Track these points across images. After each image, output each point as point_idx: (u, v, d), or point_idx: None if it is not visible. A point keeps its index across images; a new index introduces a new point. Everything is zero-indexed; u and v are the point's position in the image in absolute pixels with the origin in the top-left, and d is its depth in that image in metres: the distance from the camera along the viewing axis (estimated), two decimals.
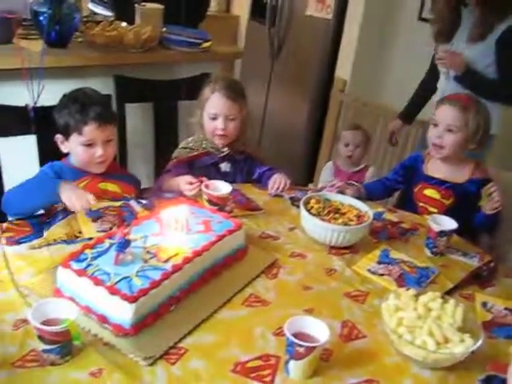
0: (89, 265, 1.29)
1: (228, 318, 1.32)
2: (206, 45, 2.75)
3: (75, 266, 1.28)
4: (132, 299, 1.19)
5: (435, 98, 2.62)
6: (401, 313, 1.31)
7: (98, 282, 1.23)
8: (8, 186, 1.92)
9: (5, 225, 1.59)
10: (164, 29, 2.80)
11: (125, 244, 1.29)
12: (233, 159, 2.13)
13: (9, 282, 1.35)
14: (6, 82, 2.23)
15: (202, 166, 2.08)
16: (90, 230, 1.61)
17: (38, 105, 2.07)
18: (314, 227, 1.69)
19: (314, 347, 1.13)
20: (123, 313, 1.19)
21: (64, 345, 1.09)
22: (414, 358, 1.23)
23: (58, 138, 1.83)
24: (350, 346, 1.29)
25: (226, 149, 2.10)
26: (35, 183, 1.73)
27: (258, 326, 1.30)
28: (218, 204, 1.75)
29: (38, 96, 2.08)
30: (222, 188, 1.79)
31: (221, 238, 1.47)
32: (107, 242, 1.38)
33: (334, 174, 2.82)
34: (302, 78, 3.79)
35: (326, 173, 2.90)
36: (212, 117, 2.05)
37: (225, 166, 2.12)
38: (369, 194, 2.05)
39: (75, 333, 1.09)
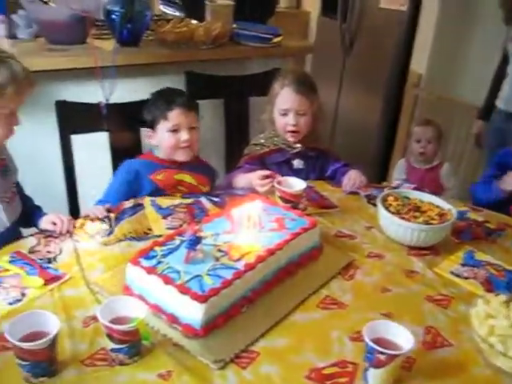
0: (159, 262, 1.25)
1: (302, 321, 1.25)
2: (276, 40, 2.68)
3: (145, 263, 1.25)
4: (203, 299, 1.14)
5: (505, 83, 2.47)
6: (491, 320, 1.19)
7: (167, 281, 1.18)
8: (80, 181, 1.94)
9: (79, 221, 1.59)
10: (234, 25, 2.76)
11: (195, 241, 1.24)
12: (305, 155, 2.05)
13: (80, 278, 1.34)
14: (81, 81, 2.25)
15: (274, 163, 2.01)
16: (159, 227, 1.58)
17: (111, 102, 2.07)
18: (393, 226, 1.58)
19: (397, 355, 1.04)
20: (193, 313, 1.14)
21: (133, 344, 1.05)
22: (507, 370, 1.12)
23: (146, 132, 1.94)
24: (434, 354, 1.18)
25: (298, 145, 2.03)
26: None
27: (334, 329, 1.23)
28: (292, 201, 1.67)
29: (111, 94, 2.08)
30: (296, 185, 1.72)
31: (295, 236, 1.40)
32: (177, 240, 1.34)
33: (407, 172, 2.71)
34: (375, 72, 3.66)
35: (398, 171, 2.79)
36: (282, 113, 1.98)
37: (297, 163, 2.05)
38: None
39: (144, 332, 1.05)
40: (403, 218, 1.56)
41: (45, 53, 2.31)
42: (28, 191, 1.71)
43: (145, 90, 2.02)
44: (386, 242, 1.62)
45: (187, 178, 1.93)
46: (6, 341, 1.00)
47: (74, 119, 1.97)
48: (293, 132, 1.99)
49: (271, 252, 1.32)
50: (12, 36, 2.54)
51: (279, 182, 1.71)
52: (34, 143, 2.15)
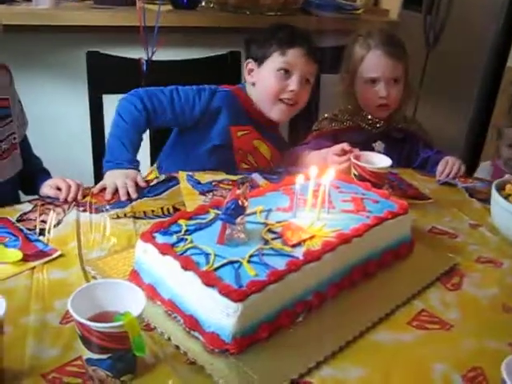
0: (180, 240, 0.87)
1: (386, 344, 0.83)
2: (356, 12, 2.27)
3: (160, 239, 0.86)
4: (238, 296, 0.74)
5: None
6: None
7: (188, 265, 0.79)
8: None
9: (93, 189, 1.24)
10: None
11: (235, 210, 0.84)
12: (389, 137, 1.63)
13: (75, 257, 0.97)
14: (121, 41, 1.94)
15: (349, 144, 1.59)
16: (194, 202, 1.19)
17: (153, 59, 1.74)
18: None
19: None
20: (223, 316, 0.74)
21: (119, 356, 0.66)
22: None
23: (249, 63, 1.53)
24: None
25: (381, 123, 1.61)
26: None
27: (437, 360, 0.80)
28: (372, 182, 1.22)
29: (153, 52, 1.74)
30: (379, 161, 1.30)
31: (380, 221, 0.98)
32: (212, 213, 0.95)
33: (492, 177, 2.23)
34: (464, 68, 3.24)
35: (481, 175, 2.31)
36: (370, 81, 1.58)
37: (378, 146, 1.62)
38: None
39: (136, 339, 0.65)
40: None
41: (86, 9, 2.02)
42: (49, 155, 1.38)
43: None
44: (501, 244, 1.18)
45: (264, 148, 1.57)
46: None
47: (108, 75, 1.63)
48: (382, 106, 1.59)
49: (345, 239, 0.91)
50: None
51: (357, 157, 1.30)
52: (61, 103, 1.85)
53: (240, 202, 0.85)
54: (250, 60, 1.53)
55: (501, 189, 1.23)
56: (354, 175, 1.27)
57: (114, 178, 1.26)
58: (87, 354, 0.67)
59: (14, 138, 1.19)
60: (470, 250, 1.15)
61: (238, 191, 0.86)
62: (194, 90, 1.49)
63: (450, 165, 1.50)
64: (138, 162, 1.36)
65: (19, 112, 1.26)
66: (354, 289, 0.94)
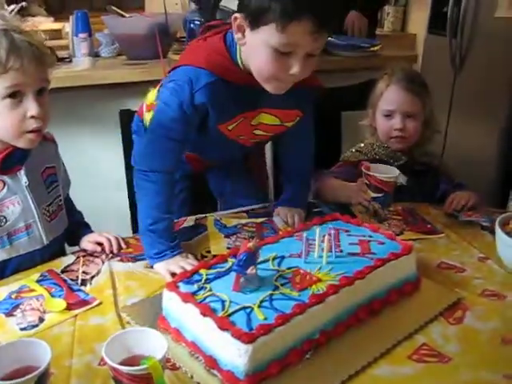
0: (200, 288, 0.98)
1: (388, 376, 0.92)
2: (374, 48, 2.38)
3: (183, 288, 0.98)
4: (248, 338, 0.85)
5: None
6: None
7: (206, 312, 0.91)
8: None
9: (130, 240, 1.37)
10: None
11: (246, 262, 0.96)
12: (412, 171, 1.69)
13: (111, 304, 1.10)
14: None
15: None
16: (219, 246, 1.32)
17: None
18: None
19: None
20: (236, 356, 0.85)
21: None
22: None
23: (238, 18, 1.15)
24: None
25: (403, 157, 1.70)
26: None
27: None
28: (383, 190, 1.47)
29: None
30: (386, 171, 1.50)
31: (383, 262, 1.08)
32: (230, 262, 1.07)
33: None
34: (492, 90, 3.24)
35: None
36: (387, 114, 1.68)
37: (401, 179, 1.68)
38: None
39: (159, 380, 0.77)
40: None
41: (120, 66, 2.20)
42: (89, 209, 1.52)
43: None
44: (506, 277, 1.24)
45: (267, 118, 1.35)
46: None
47: None
48: (398, 138, 1.68)
49: (348, 282, 1.00)
50: (95, 54, 2.46)
51: (367, 168, 1.49)
52: (97, 156, 2.00)
53: (250, 253, 0.96)
54: (239, 15, 1.15)
55: (505, 224, 1.30)
56: (367, 185, 1.48)
57: (167, 267, 1.21)
58: None
59: (60, 200, 1.33)
60: (475, 283, 1.21)
61: (249, 244, 0.97)
62: (175, 112, 1.24)
63: (457, 198, 1.57)
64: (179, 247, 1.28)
65: (63, 174, 1.40)
66: (360, 326, 1.03)
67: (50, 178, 1.31)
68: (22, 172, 1.22)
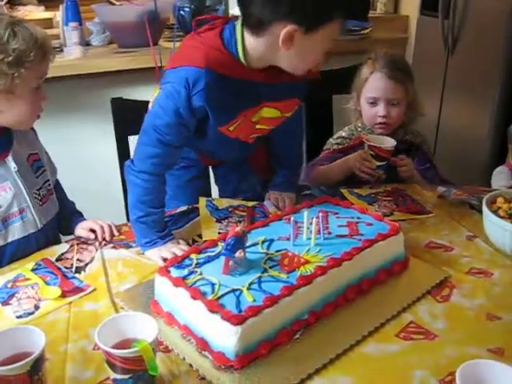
0: (191, 272, 1.01)
1: (375, 354, 0.94)
2: (365, 31, 2.38)
3: (174, 273, 1.01)
4: (237, 320, 0.87)
5: None
6: None
7: (196, 295, 0.93)
8: None
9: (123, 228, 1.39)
10: None
11: (234, 246, 0.98)
12: (395, 151, 1.72)
13: (104, 290, 1.12)
14: (142, 82, 2.10)
15: None
16: (210, 231, 1.33)
17: None
18: (504, 235, 1.23)
19: None
20: (226, 338, 0.88)
21: (138, 375, 0.80)
22: None
23: (289, 29, 1.11)
24: None
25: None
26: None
27: (419, 368, 0.91)
28: (386, 158, 1.59)
29: None
30: (385, 142, 1.61)
31: (370, 243, 1.10)
32: (220, 246, 1.09)
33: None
34: (485, 71, 3.24)
35: (498, 178, 2.32)
36: (371, 101, 1.70)
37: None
38: None
39: (150, 361, 0.79)
40: None
41: (111, 55, 2.20)
42: (83, 197, 1.54)
43: None
44: (493, 255, 1.26)
45: (268, 111, 1.33)
46: None
47: (131, 119, 1.78)
48: (382, 124, 1.70)
49: (336, 263, 1.03)
50: (86, 43, 2.46)
51: (368, 140, 1.61)
52: (91, 147, 2.02)
53: (238, 237, 0.98)
54: (291, 26, 1.10)
55: (492, 202, 1.32)
56: (371, 155, 1.58)
57: (160, 253, 1.23)
58: (113, 375, 0.82)
59: (49, 185, 1.35)
60: (462, 262, 1.23)
61: (237, 228, 0.99)
62: (170, 117, 1.22)
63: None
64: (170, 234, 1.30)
65: (48, 161, 1.42)
66: (349, 305, 1.05)
67: (36, 164, 1.34)
68: (10, 158, 1.24)
